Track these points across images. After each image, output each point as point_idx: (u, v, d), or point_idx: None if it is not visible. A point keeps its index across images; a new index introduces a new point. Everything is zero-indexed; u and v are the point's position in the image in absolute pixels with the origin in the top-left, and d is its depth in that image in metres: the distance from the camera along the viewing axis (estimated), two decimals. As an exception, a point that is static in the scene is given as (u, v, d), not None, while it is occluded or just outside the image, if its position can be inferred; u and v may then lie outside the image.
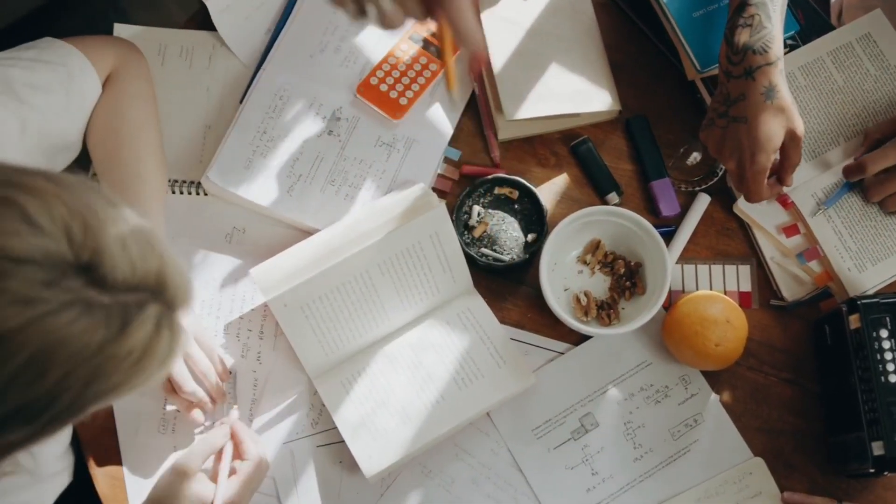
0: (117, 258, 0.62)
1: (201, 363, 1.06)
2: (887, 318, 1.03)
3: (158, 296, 0.65)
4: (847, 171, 1.12)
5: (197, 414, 1.07)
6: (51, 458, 1.01)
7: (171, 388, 1.06)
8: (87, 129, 1.09)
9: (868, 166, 1.10)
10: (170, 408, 1.12)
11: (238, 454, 1.04)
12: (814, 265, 1.13)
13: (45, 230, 0.60)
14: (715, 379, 1.13)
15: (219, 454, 1.05)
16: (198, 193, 1.18)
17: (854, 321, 1.05)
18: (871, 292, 1.11)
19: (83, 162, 1.12)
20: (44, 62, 1.02)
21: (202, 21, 1.24)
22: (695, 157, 1.17)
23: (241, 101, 1.20)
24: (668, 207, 1.17)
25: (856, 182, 1.13)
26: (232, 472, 1.03)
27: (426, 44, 1.21)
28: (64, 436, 1.03)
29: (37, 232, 0.60)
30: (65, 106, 1.04)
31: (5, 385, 0.59)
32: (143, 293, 0.64)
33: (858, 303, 1.04)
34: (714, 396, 1.12)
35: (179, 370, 1.05)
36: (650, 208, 1.18)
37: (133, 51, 1.16)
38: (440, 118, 1.20)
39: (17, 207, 0.60)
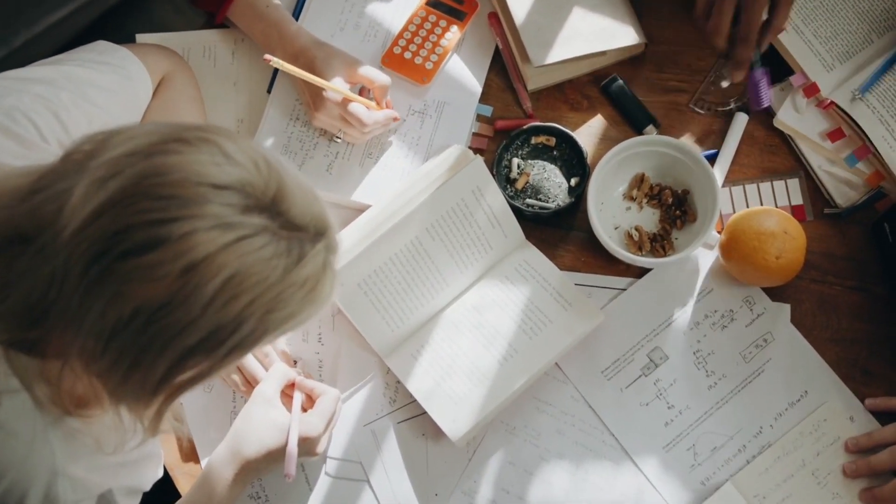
0: (295, 197, 0.68)
1: (270, 355, 1.09)
2: (949, 205, 1.01)
3: (322, 237, 0.70)
4: None
5: None
6: None
7: (246, 380, 1.08)
8: None
9: None
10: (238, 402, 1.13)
11: (309, 398, 1.07)
12: (863, 166, 1.11)
13: (240, 162, 0.66)
14: (779, 295, 1.11)
15: (290, 387, 1.07)
16: (239, 186, 1.19)
17: (916, 213, 1.03)
18: (926, 184, 1.09)
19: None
20: (104, 63, 1.05)
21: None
22: (727, 78, 1.16)
23: (268, 92, 1.22)
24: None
25: (890, 65, 1.11)
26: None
27: (444, 7, 1.22)
28: None
29: (234, 163, 0.66)
30: (123, 108, 1.06)
31: (203, 307, 0.64)
32: (311, 233, 0.69)
33: (918, 192, 1.03)
34: (786, 307, 1.11)
35: (251, 363, 1.07)
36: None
37: (181, 59, 1.19)
38: (467, 77, 1.20)
39: (216, 144, 0.66)
